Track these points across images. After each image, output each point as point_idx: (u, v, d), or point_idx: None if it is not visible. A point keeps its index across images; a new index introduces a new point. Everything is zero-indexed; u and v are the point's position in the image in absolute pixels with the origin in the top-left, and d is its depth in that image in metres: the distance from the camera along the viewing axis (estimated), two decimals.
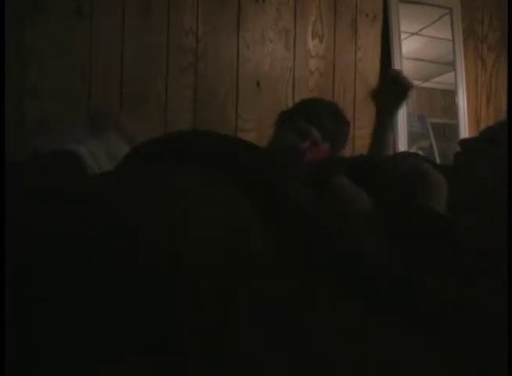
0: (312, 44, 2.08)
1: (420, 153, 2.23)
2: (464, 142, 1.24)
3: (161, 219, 0.56)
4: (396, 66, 2.18)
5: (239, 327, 0.52)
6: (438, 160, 2.23)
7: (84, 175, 0.75)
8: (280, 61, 2.02)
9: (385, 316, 0.59)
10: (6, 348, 0.46)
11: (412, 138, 2.24)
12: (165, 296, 0.51)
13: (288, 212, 0.65)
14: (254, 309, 0.53)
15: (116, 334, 0.49)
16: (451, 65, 2.35)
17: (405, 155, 1.46)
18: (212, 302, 0.52)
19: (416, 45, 2.29)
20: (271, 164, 0.73)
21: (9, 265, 0.50)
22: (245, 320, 0.52)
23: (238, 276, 0.55)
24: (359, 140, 2.06)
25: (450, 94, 2.36)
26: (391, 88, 1.56)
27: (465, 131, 2.34)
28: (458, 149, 1.23)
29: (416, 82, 2.31)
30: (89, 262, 0.51)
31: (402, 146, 2.16)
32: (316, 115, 1.50)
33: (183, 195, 0.62)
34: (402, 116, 2.19)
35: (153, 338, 0.49)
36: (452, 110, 2.36)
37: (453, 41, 2.34)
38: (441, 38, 2.34)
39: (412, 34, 2.28)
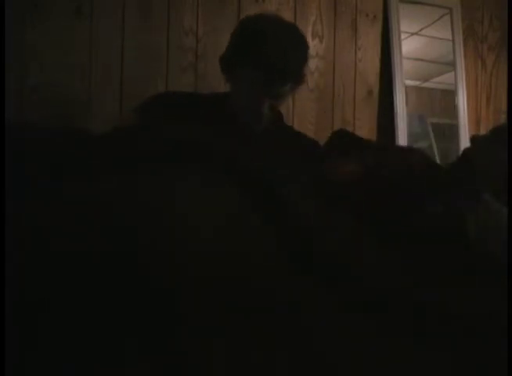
0: (312, 44, 2.07)
1: None
2: (476, 139, 1.23)
3: (161, 220, 0.56)
4: (396, 66, 2.18)
5: (236, 327, 0.52)
6: (438, 161, 2.23)
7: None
8: None
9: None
10: (6, 349, 0.46)
11: (412, 138, 2.24)
12: (163, 297, 0.51)
13: (287, 216, 0.65)
14: (251, 309, 0.53)
15: (116, 334, 0.49)
16: (451, 65, 2.35)
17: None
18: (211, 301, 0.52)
19: (416, 45, 2.29)
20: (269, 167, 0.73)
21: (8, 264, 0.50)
22: (244, 322, 0.52)
23: (237, 276, 0.55)
24: None
25: (450, 94, 2.36)
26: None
27: (465, 132, 2.34)
28: (458, 149, 1.23)
29: (416, 82, 2.31)
30: (90, 262, 0.51)
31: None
32: (272, 50, 1.24)
33: (183, 196, 0.62)
34: (402, 116, 2.19)
35: (153, 337, 0.49)
36: (452, 110, 2.36)
37: (453, 41, 2.34)
38: (441, 38, 2.34)
39: (412, 34, 2.28)
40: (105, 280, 0.51)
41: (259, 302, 0.54)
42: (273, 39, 1.26)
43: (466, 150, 1.22)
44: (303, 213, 0.66)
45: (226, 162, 0.71)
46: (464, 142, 2.27)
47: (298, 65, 1.32)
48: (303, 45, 1.33)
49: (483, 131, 2.26)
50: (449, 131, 2.35)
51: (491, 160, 1.07)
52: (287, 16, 2.03)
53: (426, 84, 2.35)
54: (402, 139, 2.18)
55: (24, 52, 1.62)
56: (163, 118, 1.26)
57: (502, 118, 2.44)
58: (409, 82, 2.24)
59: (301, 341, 0.53)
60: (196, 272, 0.53)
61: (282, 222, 0.64)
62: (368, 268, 0.66)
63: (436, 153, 2.28)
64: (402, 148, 1.58)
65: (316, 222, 0.67)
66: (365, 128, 2.12)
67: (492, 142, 1.13)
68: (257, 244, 0.61)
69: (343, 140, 1.24)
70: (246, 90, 1.32)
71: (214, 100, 1.42)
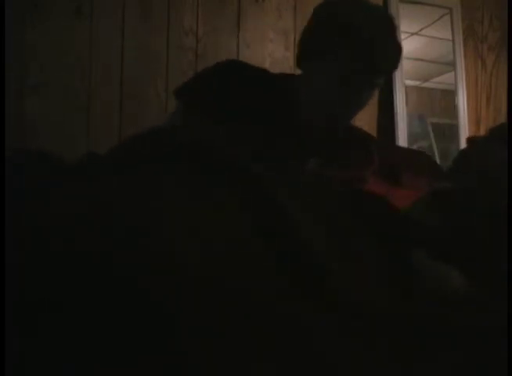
0: None
1: None
2: (472, 140, 1.23)
3: (153, 226, 0.56)
4: None
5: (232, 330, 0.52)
6: (437, 161, 2.23)
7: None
8: (280, 61, 2.02)
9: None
10: (6, 348, 0.47)
11: (412, 138, 2.24)
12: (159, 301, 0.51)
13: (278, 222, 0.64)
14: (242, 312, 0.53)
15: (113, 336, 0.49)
16: (451, 65, 2.35)
17: None
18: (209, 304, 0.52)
19: (416, 45, 2.29)
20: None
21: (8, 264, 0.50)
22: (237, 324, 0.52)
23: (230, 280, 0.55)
24: None
25: (450, 94, 2.36)
26: None
27: (465, 132, 2.34)
28: (458, 149, 1.23)
29: (416, 82, 2.31)
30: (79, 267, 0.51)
31: (402, 146, 2.16)
32: (375, 40, 1.03)
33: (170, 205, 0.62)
34: (402, 116, 2.19)
35: (151, 338, 0.49)
36: (452, 110, 2.36)
37: (453, 41, 2.34)
38: (441, 38, 2.34)
39: (412, 34, 2.28)
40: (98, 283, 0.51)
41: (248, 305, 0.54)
42: (366, 17, 1.06)
43: (461, 151, 1.22)
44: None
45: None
46: (464, 142, 2.27)
47: (397, 59, 1.13)
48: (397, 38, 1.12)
49: (483, 132, 2.26)
50: (449, 131, 2.35)
51: (488, 161, 1.07)
52: (287, 16, 2.03)
53: (426, 84, 2.35)
54: (402, 139, 2.18)
55: (24, 52, 1.62)
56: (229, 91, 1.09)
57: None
58: (409, 82, 2.24)
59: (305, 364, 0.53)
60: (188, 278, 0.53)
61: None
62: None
63: (436, 153, 2.28)
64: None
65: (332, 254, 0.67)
66: (365, 128, 2.12)
67: (488, 143, 1.13)
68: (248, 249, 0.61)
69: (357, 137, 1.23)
70: (336, 83, 1.08)
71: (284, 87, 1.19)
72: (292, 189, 0.75)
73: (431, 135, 2.31)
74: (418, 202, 0.97)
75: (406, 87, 2.22)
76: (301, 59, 1.17)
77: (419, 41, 2.30)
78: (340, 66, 1.07)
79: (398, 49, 1.11)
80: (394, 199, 0.92)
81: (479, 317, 0.66)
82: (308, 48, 1.13)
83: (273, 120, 1.11)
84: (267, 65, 1.99)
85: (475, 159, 1.12)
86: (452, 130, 2.34)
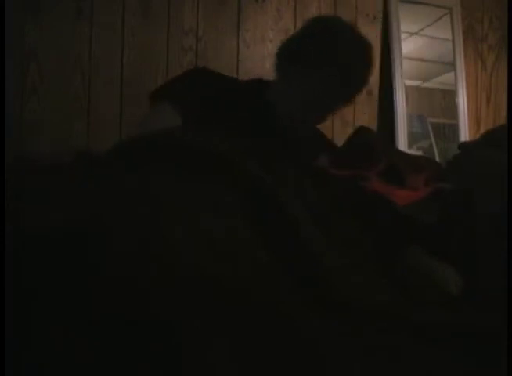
0: None
1: (421, 153, 2.23)
2: (464, 145, 1.24)
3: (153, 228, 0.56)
4: (396, 66, 2.18)
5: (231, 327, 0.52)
6: (438, 161, 2.23)
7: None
8: None
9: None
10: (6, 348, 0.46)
11: (412, 138, 2.24)
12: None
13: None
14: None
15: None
16: (451, 65, 2.35)
17: None
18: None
19: (416, 45, 2.29)
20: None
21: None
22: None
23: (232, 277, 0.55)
24: None
25: (450, 94, 2.36)
26: None
27: (465, 131, 2.34)
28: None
29: (416, 82, 2.31)
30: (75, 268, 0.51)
31: (402, 146, 2.16)
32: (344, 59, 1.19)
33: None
34: (402, 116, 2.19)
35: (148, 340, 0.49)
36: (452, 110, 2.36)
37: (453, 41, 2.34)
38: (441, 38, 2.34)
39: (412, 34, 2.28)
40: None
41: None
42: (351, 41, 1.22)
43: (453, 156, 1.23)
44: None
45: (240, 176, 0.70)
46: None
47: (369, 72, 1.26)
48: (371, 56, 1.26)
49: (483, 131, 2.26)
50: (449, 132, 2.35)
51: (476, 165, 1.07)
52: (287, 16, 2.03)
53: (426, 84, 2.35)
54: (402, 139, 2.18)
55: (24, 52, 1.62)
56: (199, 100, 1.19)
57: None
58: (409, 82, 2.24)
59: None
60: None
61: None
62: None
63: (436, 153, 2.28)
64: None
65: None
66: None
67: (479, 148, 1.14)
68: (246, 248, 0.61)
69: (364, 138, 1.25)
70: (313, 91, 1.22)
71: (252, 89, 1.33)
72: (292, 187, 0.75)
73: (431, 135, 2.31)
74: (418, 201, 0.98)
75: (406, 87, 2.22)
76: (283, 62, 1.28)
77: (419, 41, 2.30)
78: (321, 78, 1.21)
79: (369, 72, 1.26)
80: (395, 198, 0.94)
81: (474, 316, 0.66)
82: (294, 56, 1.25)
83: (250, 122, 1.20)
84: (267, 65, 1.99)
85: (465, 163, 1.13)
86: (452, 130, 2.34)
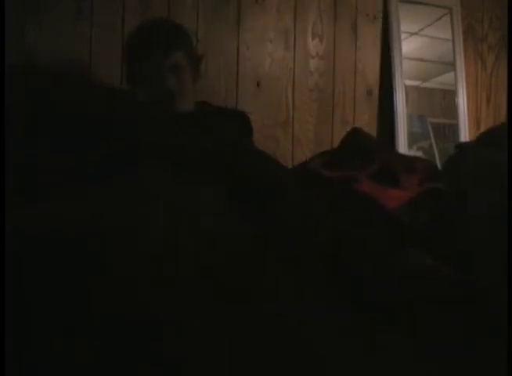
0: (312, 44, 2.08)
1: (421, 153, 2.23)
2: (460, 146, 1.24)
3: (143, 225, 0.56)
4: (396, 66, 2.18)
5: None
6: (438, 160, 2.23)
7: None
8: (280, 61, 2.02)
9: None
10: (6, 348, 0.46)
11: (412, 138, 2.24)
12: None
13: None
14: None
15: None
16: (451, 65, 2.35)
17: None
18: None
19: (416, 45, 2.29)
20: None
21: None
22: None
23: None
24: None
25: (450, 94, 2.36)
26: None
27: (465, 131, 2.34)
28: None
29: (416, 82, 2.31)
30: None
31: (402, 146, 2.16)
32: (146, 36, 1.43)
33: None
34: (402, 116, 2.19)
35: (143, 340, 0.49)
36: (452, 110, 2.36)
37: (453, 41, 2.34)
38: (441, 38, 2.34)
39: (412, 34, 2.28)
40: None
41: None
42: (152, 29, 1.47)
43: (450, 156, 1.23)
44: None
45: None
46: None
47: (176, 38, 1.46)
48: (174, 28, 1.49)
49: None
50: (449, 131, 2.35)
51: (473, 165, 1.08)
52: (287, 15, 2.03)
53: (426, 84, 2.35)
54: (402, 139, 2.18)
55: (24, 52, 1.62)
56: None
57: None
58: (409, 82, 2.24)
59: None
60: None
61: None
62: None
63: (436, 153, 2.28)
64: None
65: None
66: (365, 128, 2.12)
67: (475, 148, 1.14)
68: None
69: (357, 140, 1.26)
70: (145, 69, 1.41)
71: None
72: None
73: (431, 135, 2.31)
74: (409, 201, 0.99)
75: (406, 87, 2.22)
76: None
77: (419, 41, 2.30)
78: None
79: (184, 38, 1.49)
80: (387, 199, 0.94)
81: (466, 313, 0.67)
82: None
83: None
84: (267, 65, 1.99)
85: (461, 164, 1.14)
86: (452, 130, 2.34)
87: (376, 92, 2.20)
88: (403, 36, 2.22)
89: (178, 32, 1.49)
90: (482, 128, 2.38)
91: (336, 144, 1.77)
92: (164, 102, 1.40)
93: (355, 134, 1.34)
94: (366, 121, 2.17)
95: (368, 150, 1.22)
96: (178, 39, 1.47)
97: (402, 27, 2.22)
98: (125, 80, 1.52)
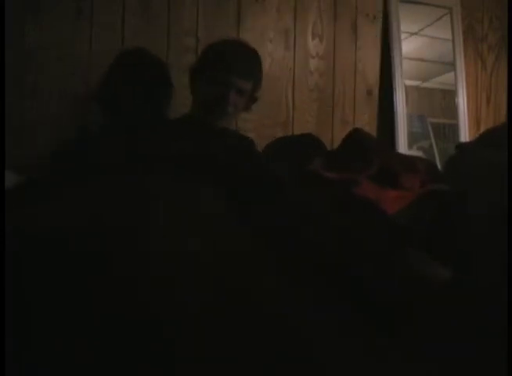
0: (312, 44, 2.08)
1: (421, 153, 2.23)
2: (460, 146, 1.24)
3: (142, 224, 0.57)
4: (396, 66, 2.18)
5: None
6: (438, 160, 2.23)
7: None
8: (280, 61, 2.02)
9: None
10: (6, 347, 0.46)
11: (412, 138, 2.24)
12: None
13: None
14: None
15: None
16: (451, 65, 2.35)
17: None
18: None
19: (416, 45, 2.29)
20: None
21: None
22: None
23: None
24: None
25: (450, 94, 2.36)
26: None
27: (465, 131, 2.34)
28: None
29: (416, 82, 2.31)
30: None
31: (402, 146, 2.16)
32: (230, 59, 1.45)
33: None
34: (402, 116, 2.19)
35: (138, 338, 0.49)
36: (452, 110, 2.36)
37: (453, 41, 2.34)
38: (441, 38, 2.34)
39: (412, 34, 2.28)
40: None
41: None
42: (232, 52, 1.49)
43: (450, 157, 1.23)
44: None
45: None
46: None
47: (254, 68, 1.50)
48: (255, 57, 1.53)
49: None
50: (449, 132, 2.35)
51: (473, 166, 1.07)
52: (287, 16, 2.03)
53: (426, 84, 2.35)
54: (402, 139, 2.18)
55: (24, 52, 1.62)
56: None
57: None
58: (409, 82, 2.24)
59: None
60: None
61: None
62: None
63: (436, 153, 2.28)
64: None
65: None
66: (366, 128, 2.12)
67: (475, 149, 1.14)
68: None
69: (358, 140, 1.26)
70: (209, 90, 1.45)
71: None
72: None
73: (431, 135, 2.31)
74: (412, 203, 0.99)
75: (406, 87, 2.22)
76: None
77: (419, 41, 2.30)
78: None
79: (256, 63, 1.52)
80: (387, 201, 0.94)
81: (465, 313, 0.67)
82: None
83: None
84: (267, 65, 1.99)
85: (461, 164, 1.14)
86: (452, 130, 2.34)
87: (376, 92, 2.20)
88: (403, 36, 2.22)
89: (257, 60, 1.53)
90: (482, 128, 2.38)
91: (336, 144, 1.78)
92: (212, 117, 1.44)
93: (356, 134, 1.34)
94: (366, 121, 2.17)
95: (368, 150, 1.22)
96: (257, 68, 1.51)
97: (402, 27, 2.22)
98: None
